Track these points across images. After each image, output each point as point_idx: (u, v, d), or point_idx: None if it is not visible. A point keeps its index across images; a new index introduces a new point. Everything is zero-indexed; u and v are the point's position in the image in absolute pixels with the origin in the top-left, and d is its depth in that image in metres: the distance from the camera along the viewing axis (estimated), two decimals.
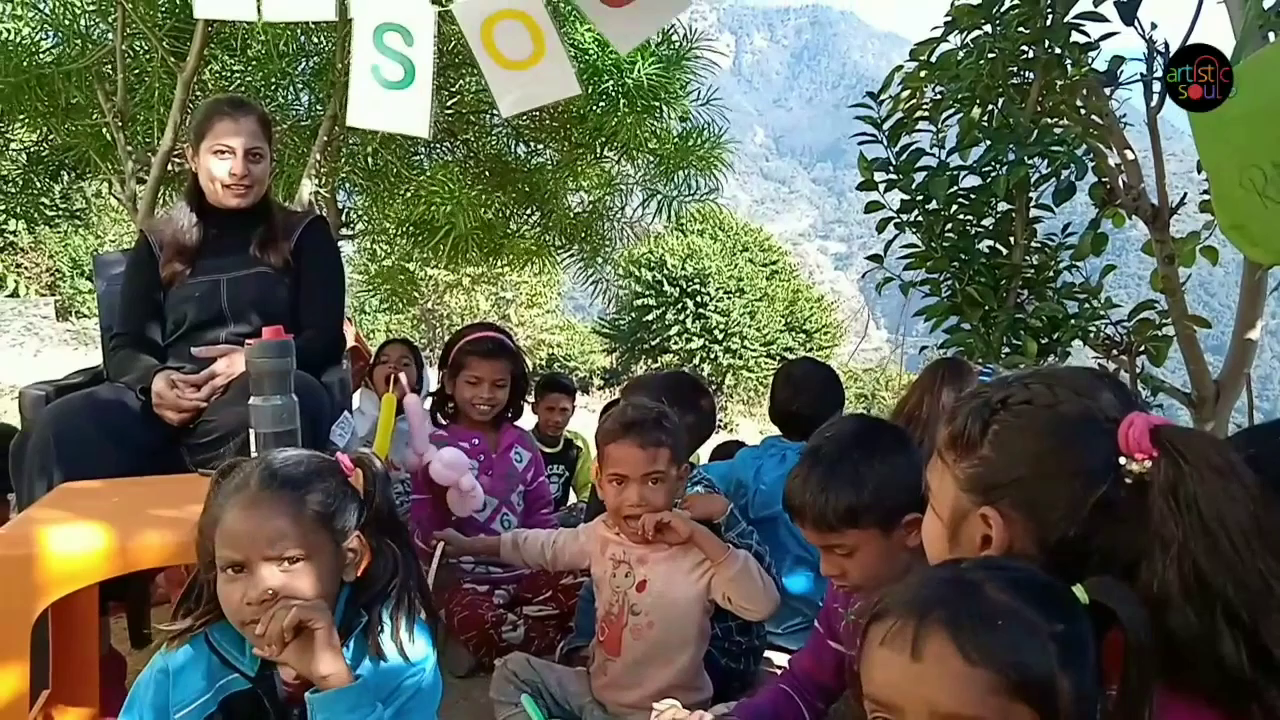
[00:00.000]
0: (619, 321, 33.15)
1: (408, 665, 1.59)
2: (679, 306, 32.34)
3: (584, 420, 5.80)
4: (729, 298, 32.43)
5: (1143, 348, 3.43)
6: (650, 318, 31.91)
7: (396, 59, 2.58)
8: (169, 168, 4.40)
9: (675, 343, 31.22)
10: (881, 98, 3.51)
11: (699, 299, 32.04)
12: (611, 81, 4.15)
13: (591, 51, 4.10)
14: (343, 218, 5.47)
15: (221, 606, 1.52)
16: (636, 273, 30.95)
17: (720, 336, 31.83)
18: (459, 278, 23.46)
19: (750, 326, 32.29)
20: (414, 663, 1.60)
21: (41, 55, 4.70)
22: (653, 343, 31.96)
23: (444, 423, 3.22)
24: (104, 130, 4.66)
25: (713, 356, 31.13)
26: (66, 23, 4.59)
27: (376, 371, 4.09)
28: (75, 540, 1.82)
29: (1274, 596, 1.01)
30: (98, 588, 2.18)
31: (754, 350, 32.04)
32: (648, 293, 32.08)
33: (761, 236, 37.05)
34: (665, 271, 32.20)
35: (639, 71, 4.08)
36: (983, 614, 0.95)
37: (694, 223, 32.63)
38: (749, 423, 28.25)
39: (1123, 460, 1.10)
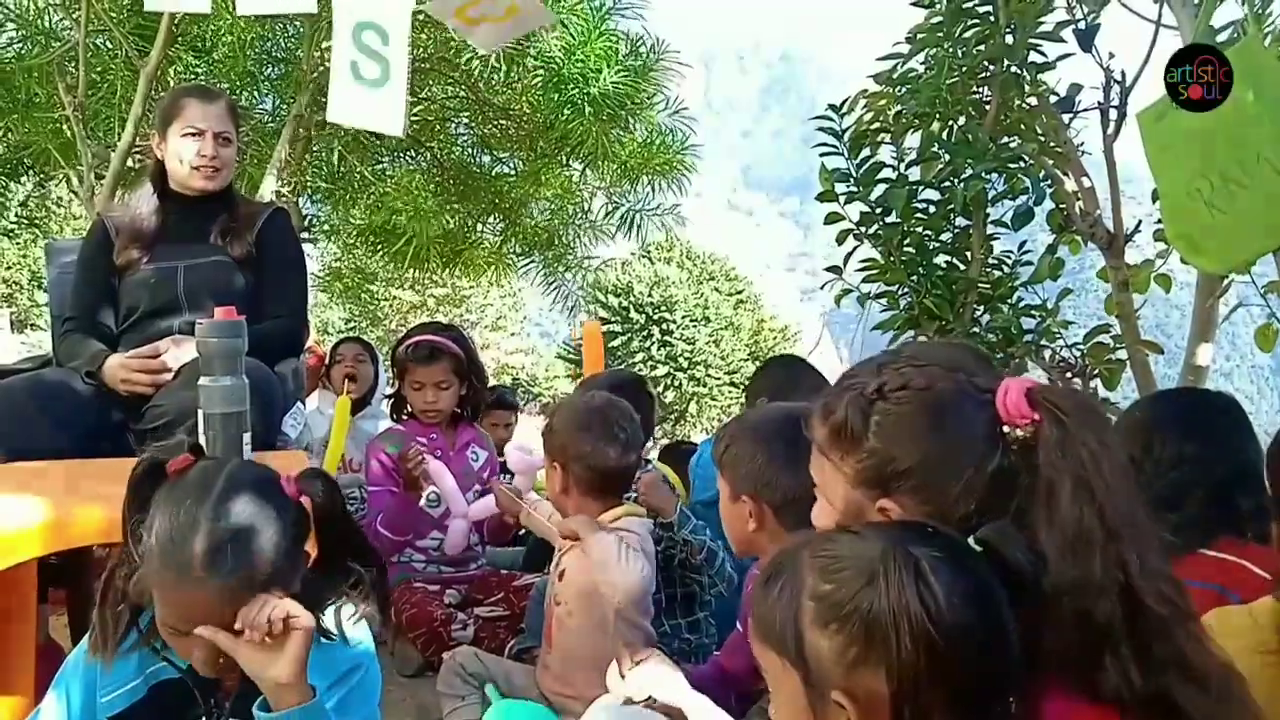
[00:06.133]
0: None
1: (352, 650, 1.57)
2: (645, 333, 32.34)
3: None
4: (694, 326, 32.48)
5: (1096, 371, 3.47)
6: (616, 344, 31.88)
7: (374, 58, 2.60)
8: (128, 163, 4.36)
9: (640, 369, 31.20)
10: (844, 113, 3.55)
11: (665, 326, 32.08)
12: (577, 90, 4.17)
13: (558, 60, 4.13)
14: (305, 222, 5.45)
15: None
16: (603, 299, 30.94)
17: (685, 364, 31.82)
18: (423, 299, 23.41)
19: (715, 354, 32.34)
20: (357, 649, 1.58)
21: (2, 51, 4.65)
22: (617, 366, 31.94)
23: (402, 417, 3.21)
24: (64, 127, 4.62)
25: (677, 384, 31.10)
26: (30, 17, 4.55)
27: (334, 371, 4.05)
28: (13, 515, 1.78)
29: (1146, 544, 1.05)
30: (36, 575, 2.14)
31: (718, 378, 32.06)
32: (614, 319, 32.06)
33: (728, 266, 37.22)
34: (632, 298, 32.23)
35: (605, 80, 4.11)
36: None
37: (661, 251, 32.81)
38: None
39: (1005, 429, 1.12)
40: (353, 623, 1.57)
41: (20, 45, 4.65)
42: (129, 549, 1.47)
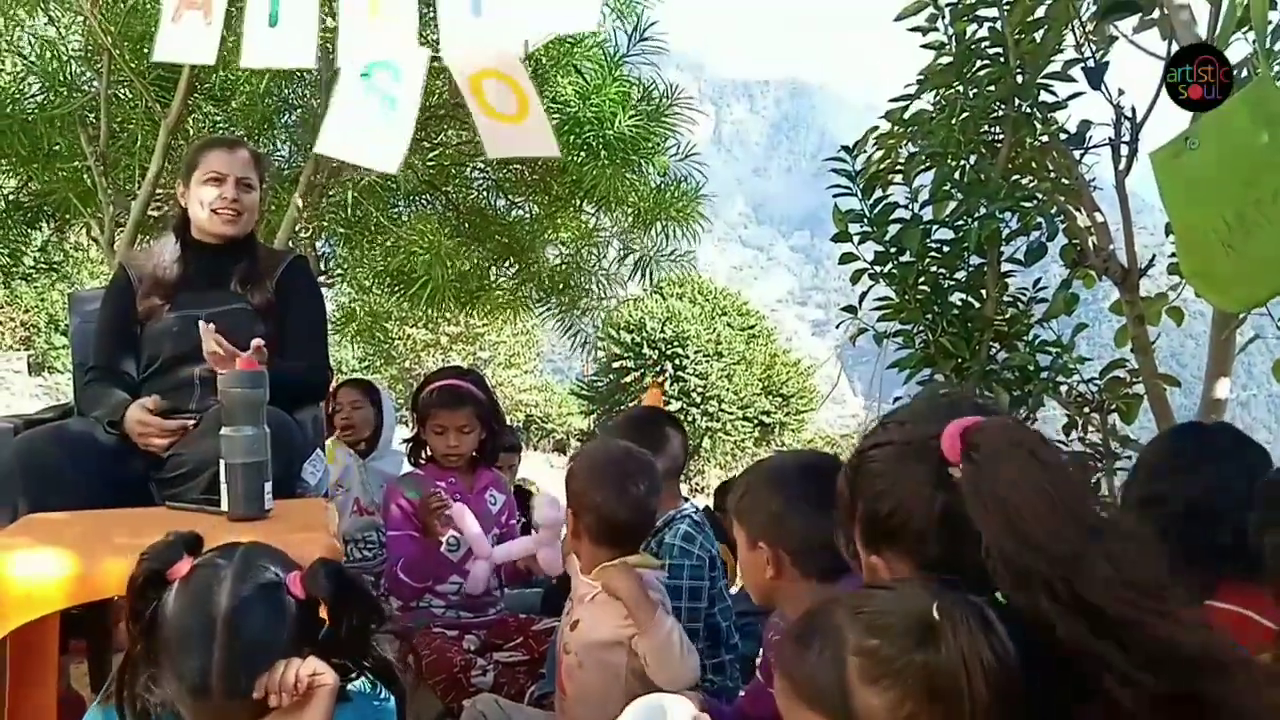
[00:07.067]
0: (597, 383, 33.15)
1: (374, 708, 1.57)
2: (657, 369, 32.38)
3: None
4: (707, 361, 32.51)
5: (1113, 406, 3.46)
6: (628, 379, 31.92)
7: (381, 96, 2.61)
8: (148, 212, 4.41)
9: None
10: (856, 153, 3.57)
11: (677, 361, 32.11)
12: (592, 133, 4.21)
13: (573, 104, 4.17)
14: (322, 265, 5.49)
15: None
16: (615, 335, 31.00)
17: (698, 399, 31.83)
18: (436, 337, 23.48)
19: (728, 389, 32.33)
20: (379, 706, 1.58)
21: (26, 101, 4.73)
22: (630, 404, 31.91)
23: (421, 461, 3.23)
24: (84, 176, 4.68)
25: (690, 419, 31.03)
26: (52, 69, 4.63)
27: (335, 418, 4.02)
28: (37, 567, 1.79)
29: (1081, 559, 0.99)
30: (58, 624, 2.14)
31: (731, 413, 32.03)
32: (626, 355, 32.13)
33: (739, 301, 37.28)
34: (644, 334, 32.29)
35: (619, 124, 4.15)
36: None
37: (673, 287, 32.88)
38: None
39: (951, 470, 1.11)
40: (371, 680, 1.58)
41: (43, 96, 4.73)
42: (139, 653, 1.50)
